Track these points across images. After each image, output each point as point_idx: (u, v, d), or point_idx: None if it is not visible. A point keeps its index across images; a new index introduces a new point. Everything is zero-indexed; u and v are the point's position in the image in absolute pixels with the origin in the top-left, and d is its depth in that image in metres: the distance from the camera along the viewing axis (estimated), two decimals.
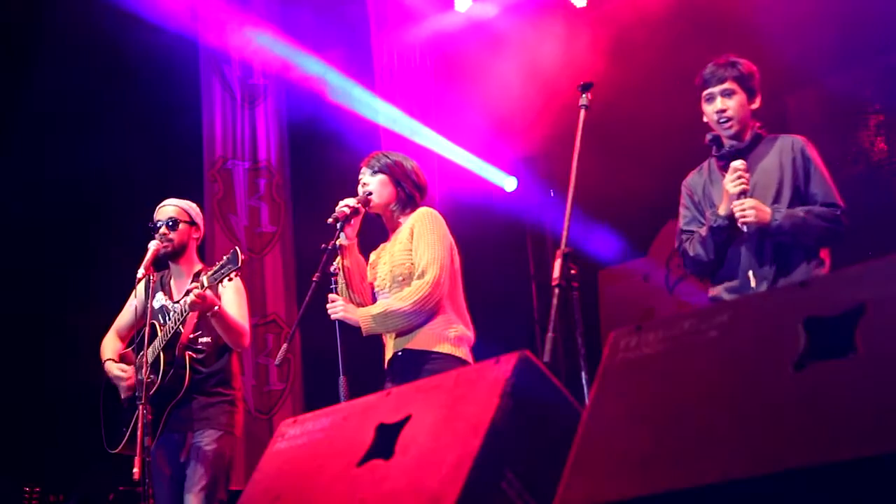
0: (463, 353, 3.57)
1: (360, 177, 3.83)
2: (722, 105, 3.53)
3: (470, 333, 3.65)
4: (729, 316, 1.70)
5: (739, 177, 3.40)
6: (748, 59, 3.63)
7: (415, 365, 3.51)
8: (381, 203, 3.77)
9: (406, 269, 3.62)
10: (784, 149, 3.52)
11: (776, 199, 3.43)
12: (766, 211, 3.38)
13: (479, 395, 1.90)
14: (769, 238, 3.39)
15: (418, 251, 3.59)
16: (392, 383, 3.55)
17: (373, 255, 3.88)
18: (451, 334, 3.57)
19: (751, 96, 3.57)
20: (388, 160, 3.81)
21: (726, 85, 3.54)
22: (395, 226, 3.82)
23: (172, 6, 6.46)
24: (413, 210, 3.81)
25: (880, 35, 5.91)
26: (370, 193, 3.75)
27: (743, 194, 3.39)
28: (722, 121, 3.53)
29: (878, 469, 1.32)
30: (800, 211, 3.40)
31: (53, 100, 6.23)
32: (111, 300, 4.55)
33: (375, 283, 3.75)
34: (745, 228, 3.37)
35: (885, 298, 1.50)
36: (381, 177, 3.77)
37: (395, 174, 3.78)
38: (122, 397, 4.27)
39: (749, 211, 3.38)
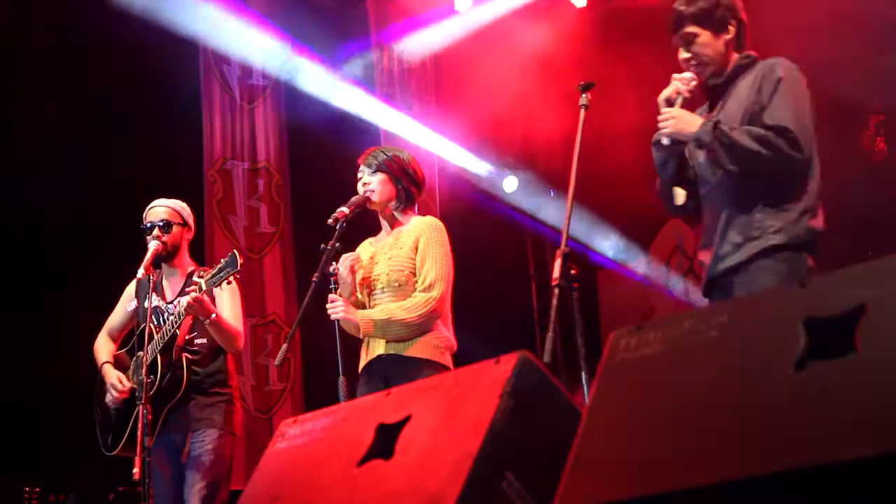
0: (447, 360, 3.67)
1: (359, 175, 3.83)
2: (685, 54, 3.24)
3: (454, 342, 3.74)
4: (729, 316, 1.70)
5: (673, 82, 3.16)
6: None
7: (404, 370, 3.54)
8: (381, 201, 3.78)
9: (404, 277, 3.66)
10: (758, 72, 3.16)
11: None
12: (692, 122, 3.07)
13: (479, 395, 1.90)
14: (733, 183, 3.11)
15: (426, 264, 3.65)
16: (370, 386, 3.57)
17: (364, 252, 3.87)
18: (441, 344, 3.66)
19: (719, 29, 3.20)
20: (386, 157, 3.81)
21: (684, 30, 3.23)
22: (395, 224, 3.82)
23: (173, 6, 6.46)
24: (412, 207, 3.85)
25: (880, 35, 5.91)
26: (371, 193, 3.76)
27: (670, 102, 3.13)
28: (692, 69, 3.22)
29: (878, 469, 1.32)
30: (733, 128, 3.05)
31: (53, 99, 6.23)
32: (111, 300, 4.55)
33: (364, 281, 3.75)
34: (664, 141, 3.11)
35: (885, 298, 1.50)
36: (380, 176, 3.77)
37: (395, 172, 3.78)
38: (109, 404, 4.25)
39: (668, 121, 3.10)
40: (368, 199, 3.75)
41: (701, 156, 3.26)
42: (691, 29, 3.21)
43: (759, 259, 3.05)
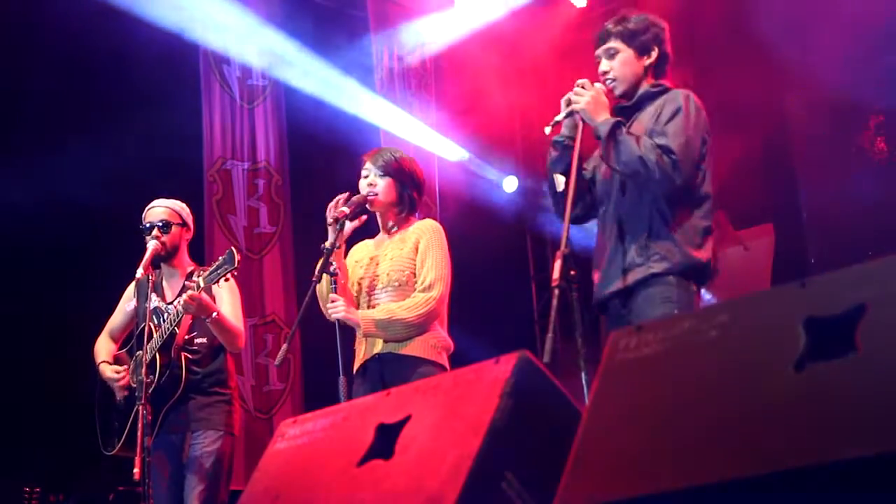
0: (444, 359, 3.69)
1: (365, 172, 3.81)
2: (605, 66, 3.33)
3: (450, 342, 3.76)
4: (729, 316, 1.70)
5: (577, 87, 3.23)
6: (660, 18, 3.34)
7: (400, 369, 3.56)
8: (384, 203, 3.77)
9: (405, 277, 3.67)
10: (662, 101, 3.25)
11: None
12: (601, 112, 3.16)
13: (479, 395, 1.90)
14: (624, 208, 3.21)
15: (425, 265, 3.66)
16: (367, 384, 3.59)
17: (363, 252, 3.86)
18: (439, 344, 3.68)
19: (641, 52, 3.31)
20: (394, 159, 3.80)
21: (608, 44, 3.33)
22: (396, 227, 3.82)
23: (173, 6, 6.46)
24: (413, 212, 3.84)
25: (881, 35, 5.91)
26: (375, 195, 3.75)
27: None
28: (606, 82, 3.31)
29: (878, 469, 1.32)
30: (631, 133, 3.14)
31: (52, 100, 6.22)
32: (111, 300, 4.55)
33: (364, 280, 3.75)
34: (560, 116, 3.17)
35: (885, 298, 1.50)
36: (387, 179, 3.76)
37: (401, 176, 3.78)
38: (118, 398, 4.26)
39: (585, 97, 3.16)
40: (370, 200, 3.74)
41: (600, 173, 3.36)
42: (615, 44, 3.32)
43: (645, 286, 3.13)
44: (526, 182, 7.94)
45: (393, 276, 3.67)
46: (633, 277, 3.15)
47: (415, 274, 3.68)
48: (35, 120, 6.25)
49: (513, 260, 8.07)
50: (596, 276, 3.32)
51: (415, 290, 3.66)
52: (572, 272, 2.70)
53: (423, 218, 3.91)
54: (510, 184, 7.95)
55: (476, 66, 7.16)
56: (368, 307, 3.70)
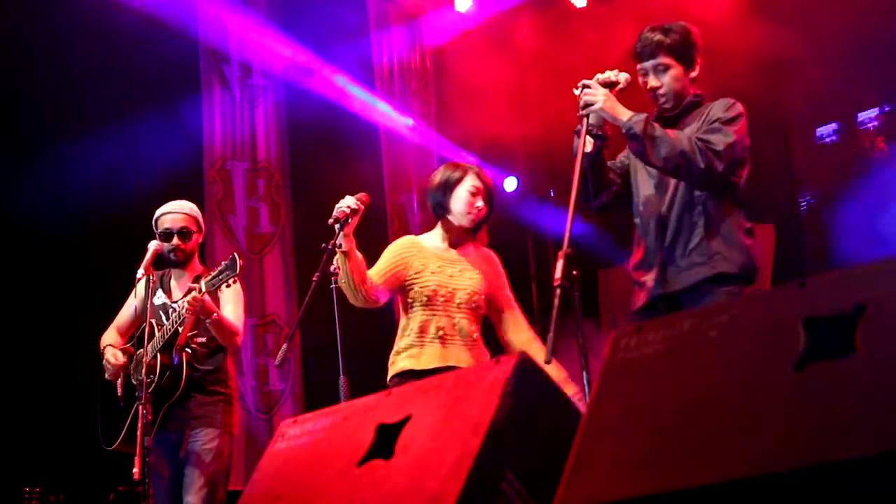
0: None
1: (473, 187, 3.82)
2: (655, 82, 3.28)
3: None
4: (729, 316, 1.70)
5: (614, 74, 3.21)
6: (688, 24, 3.31)
7: None
8: (479, 220, 3.87)
9: (482, 302, 3.83)
10: (706, 109, 3.25)
11: None
12: (622, 110, 3.12)
13: (479, 395, 1.90)
14: (679, 205, 3.20)
15: (504, 291, 3.96)
16: None
17: (430, 256, 3.84)
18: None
19: (688, 66, 3.29)
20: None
21: (658, 60, 3.27)
22: (459, 244, 3.88)
23: (172, 5, 6.46)
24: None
25: (881, 35, 5.91)
26: (482, 210, 3.83)
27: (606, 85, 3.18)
28: (657, 98, 3.30)
29: (878, 469, 1.32)
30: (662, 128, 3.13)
31: (52, 100, 6.22)
32: (111, 299, 4.55)
33: (440, 290, 3.76)
34: (591, 119, 3.10)
35: (885, 298, 1.50)
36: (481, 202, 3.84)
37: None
38: (108, 377, 4.29)
39: (598, 97, 3.12)
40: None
41: (641, 174, 3.33)
42: (665, 60, 3.27)
43: (708, 285, 3.12)
44: (526, 182, 7.94)
45: (474, 297, 3.79)
46: (695, 277, 3.13)
47: (485, 300, 3.82)
48: (34, 120, 6.25)
49: (513, 260, 8.07)
50: (644, 277, 3.27)
51: (484, 311, 3.86)
52: (574, 272, 2.70)
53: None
54: (510, 184, 7.94)
55: (476, 65, 7.15)
56: (446, 317, 3.74)
